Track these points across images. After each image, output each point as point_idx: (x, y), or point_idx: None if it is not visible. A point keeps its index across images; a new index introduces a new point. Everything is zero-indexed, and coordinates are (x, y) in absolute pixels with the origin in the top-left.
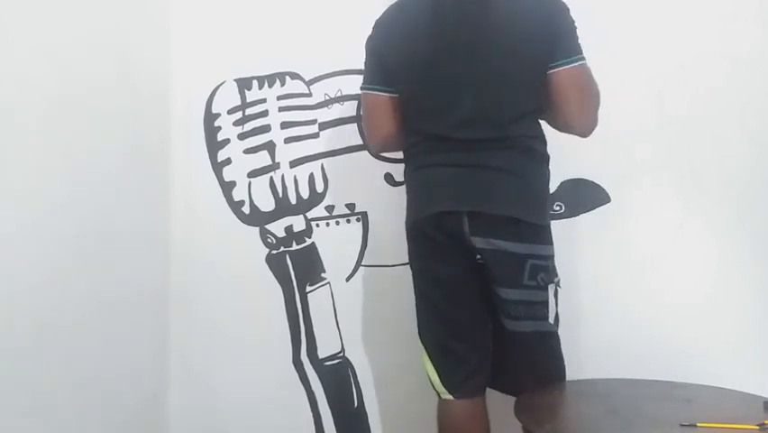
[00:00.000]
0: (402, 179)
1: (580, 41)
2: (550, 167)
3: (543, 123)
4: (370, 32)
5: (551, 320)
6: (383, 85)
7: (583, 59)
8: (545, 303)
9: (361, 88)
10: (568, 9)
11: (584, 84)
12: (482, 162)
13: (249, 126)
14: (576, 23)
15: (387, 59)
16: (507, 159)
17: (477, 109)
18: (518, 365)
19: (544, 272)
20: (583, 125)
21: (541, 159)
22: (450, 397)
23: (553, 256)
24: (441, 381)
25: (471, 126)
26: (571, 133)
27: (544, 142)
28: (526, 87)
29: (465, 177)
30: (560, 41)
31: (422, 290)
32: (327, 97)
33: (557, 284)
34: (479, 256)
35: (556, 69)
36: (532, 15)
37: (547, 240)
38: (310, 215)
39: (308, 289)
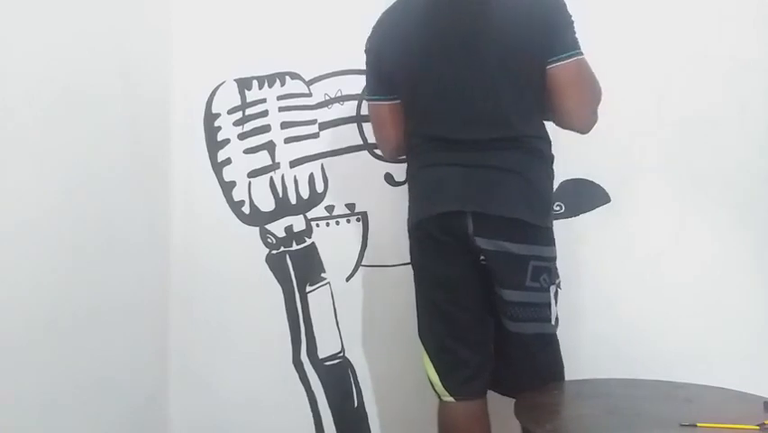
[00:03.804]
0: (402, 179)
1: (577, 36)
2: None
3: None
4: (370, 33)
5: (552, 321)
6: (383, 93)
7: (580, 54)
8: (548, 305)
9: (366, 99)
10: (564, 4)
11: (581, 79)
12: (487, 162)
13: (249, 126)
14: (573, 18)
15: (383, 63)
16: (512, 159)
17: (478, 109)
18: (519, 367)
19: (547, 274)
20: (581, 122)
21: (545, 159)
22: (450, 399)
23: (555, 258)
24: (441, 382)
25: (474, 127)
26: (572, 130)
27: (549, 143)
28: (526, 86)
29: (469, 177)
30: (555, 36)
31: (424, 290)
32: (327, 97)
33: (558, 286)
34: (482, 257)
35: (552, 66)
36: (527, 12)
37: (550, 241)
38: (310, 215)
39: (308, 289)
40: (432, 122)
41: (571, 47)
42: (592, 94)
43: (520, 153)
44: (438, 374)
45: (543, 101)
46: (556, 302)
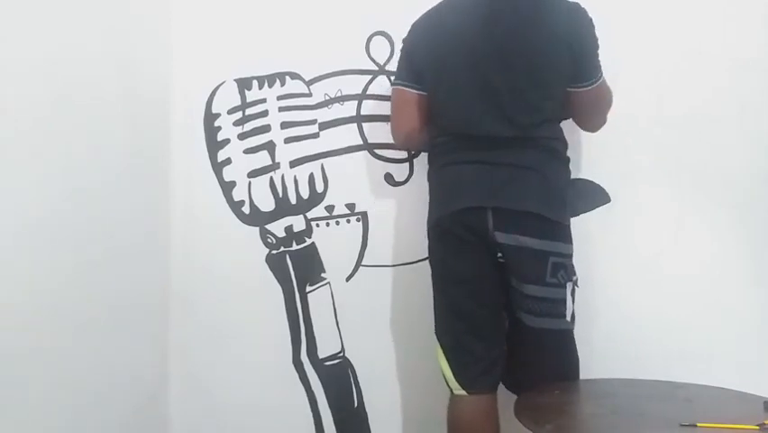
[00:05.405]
0: (402, 179)
1: (600, 58)
2: None
3: None
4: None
5: (568, 318)
6: (411, 82)
7: (602, 74)
8: (563, 301)
9: (392, 84)
10: (594, 27)
11: (599, 99)
12: (507, 160)
13: (249, 126)
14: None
15: (417, 57)
16: (531, 157)
17: (503, 111)
18: (533, 363)
19: (564, 270)
20: (593, 128)
21: (562, 159)
22: (463, 393)
23: (572, 255)
24: (454, 376)
25: (498, 126)
26: (584, 130)
27: (566, 145)
28: (551, 95)
29: (490, 174)
30: (582, 64)
31: (442, 287)
32: (327, 97)
33: (575, 283)
34: (499, 254)
35: (579, 90)
36: (563, 31)
37: (567, 238)
38: (310, 215)
39: (308, 289)
40: (457, 119)
41: (595, 73)
42: (607, 108)
43: (539, 152)
44: (452, 369)
45: (561, 110)
46: (574, 300)
